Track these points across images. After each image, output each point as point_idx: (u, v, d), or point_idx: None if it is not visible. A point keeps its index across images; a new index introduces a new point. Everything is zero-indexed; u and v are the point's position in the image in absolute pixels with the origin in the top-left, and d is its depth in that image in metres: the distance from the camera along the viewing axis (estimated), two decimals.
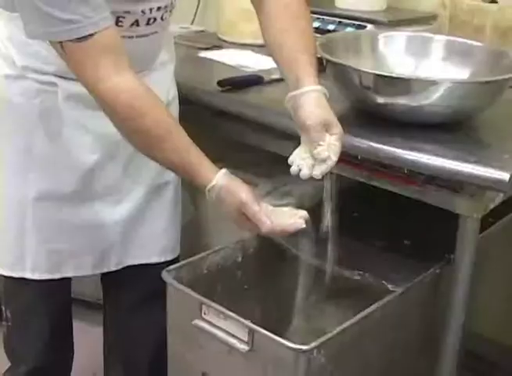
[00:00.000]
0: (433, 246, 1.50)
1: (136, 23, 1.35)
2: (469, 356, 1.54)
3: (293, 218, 1.23)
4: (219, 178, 1.23)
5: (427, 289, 1.43)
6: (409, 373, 1.49)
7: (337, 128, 1.26)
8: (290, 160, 1.29)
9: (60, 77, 1.38)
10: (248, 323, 1.22)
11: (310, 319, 1.56)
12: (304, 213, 1.25)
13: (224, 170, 1.25)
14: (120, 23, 1.32)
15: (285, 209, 1.26)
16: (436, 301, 1.45)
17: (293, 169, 1.28)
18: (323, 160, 1.25)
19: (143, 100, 1.22)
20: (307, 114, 1.25)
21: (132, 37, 1.37)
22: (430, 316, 1.46)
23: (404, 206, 1.55)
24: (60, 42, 1.18)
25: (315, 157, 1.25)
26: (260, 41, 2.04)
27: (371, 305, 1.33)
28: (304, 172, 1.26)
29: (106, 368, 1.82)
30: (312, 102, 1.25)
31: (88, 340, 2.01)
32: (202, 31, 2.32)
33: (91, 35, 1.17)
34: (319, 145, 1.24)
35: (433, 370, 1.46)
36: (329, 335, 1.19)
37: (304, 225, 1.22)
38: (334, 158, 1.25)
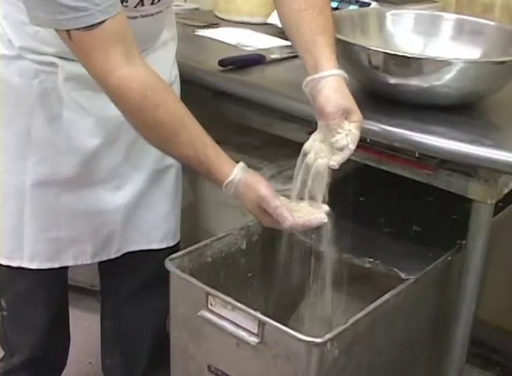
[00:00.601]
0: (443, 232, 1.48)
1: (141, 2, 1.32)
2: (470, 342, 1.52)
3: (315, 212, 1.20)
4: (237, 173, 1.19)
5: (439, 277, 1.41)
6: (419, 361, 1.48)
7: (357, 116, 1.21)
8: (305, 148, 1.24)
9: (60, 57, 1.34)
10: (258, 314, 1.18)
11: (316, 308, 1.54)
12: (326, 207, 1.21)
13: (241, 164, 1.21)
14: (125, 3, 1.27)
15: (306, 203, 1.23)
16: (447, 288, 1.43)
17: (310, 157, 1.23)
18: (341, 149, 1.20)
19: (156, 90, 1.18)
20: (326, 100, 1.20)
21: (136, 17, 1.33)
22: (441, 303, 1.45)
23: (412, 190, 1.54)
24: (67, 31, 1.13)
25: (332, 145, 1.21)
26: (258, 19, 2.05)
27: (380, 293, 1.31)
28: (322, 162, 1.21)
29: (103, 357, 1.80)
30: (332, 87, 1.21)
31: (82, 327, 2.00)
32: (196, 9, 2.27)
33: (100, 23, 1.12)
34: (338, 133, 1.20)
35: (442, 357, 1.45)
36: (344, 327, 1.16)
37: (326, 220, 1.19)
38: (352, 147, 1.21)
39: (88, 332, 2.00)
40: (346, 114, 1.21)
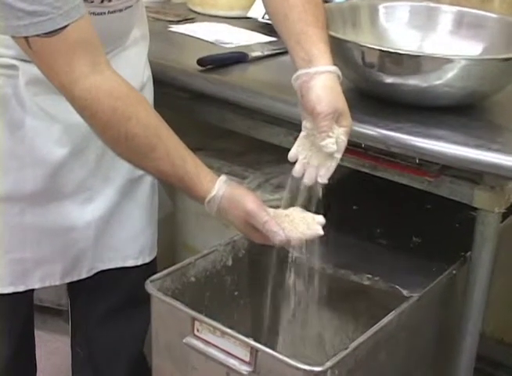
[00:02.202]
0: (446, 243, 1.47)
1: None
2: None
3: (309, 224, 1.17)
4: (219, 187, 1.17)
5: (444, 292, 1.39)
6: None
7: (348, 121, 1.19)
8: (290, 155, 1.22)
9: (21, 60, 1.30)
10: (250, 340, 1.15)
11: (308, 327, 1.52)
12: (320, 218, 1.19)
13: (223, 177, 1.19)
14: None
15: (298, 213, 1.19)
16: (451, 304, 1.42)
17: (297, 169, 1.21)
18: (330, 155, 1.18)
19: (127, 101, 1.15)
20: (318, 99, 1.17)
21: (103, 13, 1.30)
22: (445, 321, 1.44)
23: (410, 197, 1.52)
24: (26, 37, 1.10)
25: (321, 149, 1.18)
26: (237, 13, 2.02)
27: (377, 310, 1.29)
28: (311, 174, 1.19)
29: None
30: (326, 85, 1.18)
31: (49, 351, 1.96)
32: (168, 1, 2.23)
33: (61, 29, 1.09)
34: (329, 136, 1.16)
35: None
36: (345, 353, 1.13)
37: (322, 232, 1.17)
38: (338, 156, 1.20)
39: (55, 356, 1.97)
40: (337, 117, 1.18)
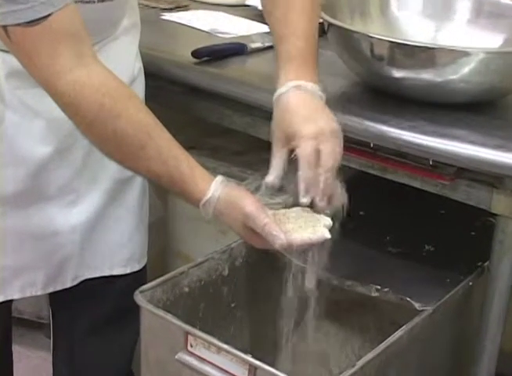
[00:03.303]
0: (462, 252, 1.47)
1: None
2: None
3: (314, 227, 1.16)
4: (215, 189, 1.17)
5: (459, 305, 1.39)
6: None
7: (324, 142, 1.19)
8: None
9: (1, 50, 1.29)
10: (249, 357, 1.15)
11: (311, 342, 1.52)
12: (327, 220, 1.18)
13: (220, 177, 1.19)
14: None
15: (302, 216, 1.18)
16: (467, 319, 1.42)
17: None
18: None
19: (116, 96, 1.15)
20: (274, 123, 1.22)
21: (93, 2, 1.30)
22: (461, 337, 1.44)
23: (424, 203, 1.53)
24: (4, 27, 1.10)
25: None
26: (234, 0, 2.01)
27: (385, 324, 1.34)
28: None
29: None
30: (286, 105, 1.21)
31: (27, 368, 1.95)
32: None
33: (44, 17, 1.09)
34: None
35: None
36: (351, 371, 1.13)
37: (329, 236, 1.16)
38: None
39: (35, 374, 1.97)
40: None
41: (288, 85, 1.22)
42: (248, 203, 1.16)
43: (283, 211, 1.20)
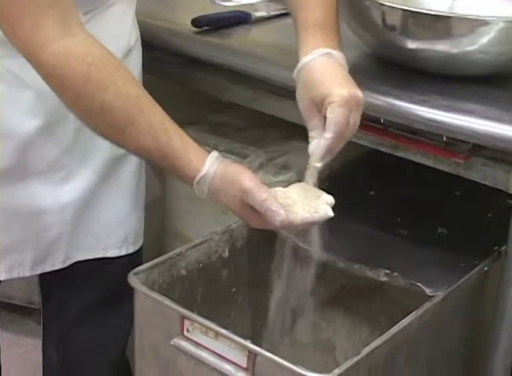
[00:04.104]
0: (477, 235, 1.48)
1: None
2: None
3: (316, 203, 1.16)
4: (210, 165, 1.17)
5: (473, 292, 1.40)
6: None
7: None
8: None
9: None
10: (248, 343, 1.15)
11: (316, 329, 1.53)
12: (329, 198, 1.18)
13: (215, 153, 1.19)
14: None
15: (303, 192, 1.19)
16: (482, 306, 1.43)
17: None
18: None
19: (103, 67, 1.15)
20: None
21: None
22: (474, 325, 1.45)
23: (437, 183, 1.54)
24: None
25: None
26: None
27: (395, 311, 1.33)
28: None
29: None
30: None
31: (16, 356, 1.97)
32: None
33: None
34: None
35: None
36: (357, 359, 1.13)
37: (332, 214, 1.16)
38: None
39: (24, 362, 1.98)
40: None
41: (317, 52, 1.22)
42: (246, 178, 1.15)
43: (282, 188, 1.20)
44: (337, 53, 1.23)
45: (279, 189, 1.19)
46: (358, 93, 1.20)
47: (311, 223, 1.17)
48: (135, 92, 1.18)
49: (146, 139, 1.17)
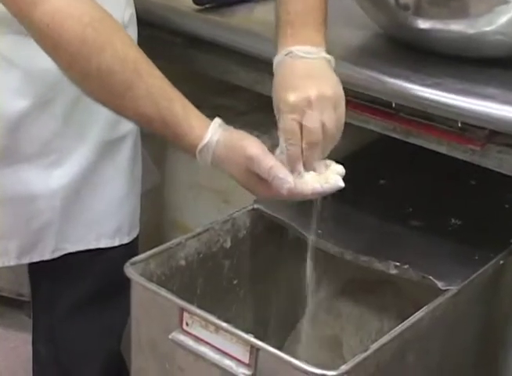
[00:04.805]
0: (492, 227, 1.48)
1: None
2: None
3: (326, 173, 1.16)
4: (214, 132, 1.16)
5: (487, 285, 1.40)
6: None
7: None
8: None
9: None
10: (250, 337, 1.16)
11: (322, 324, 1.54)
12: (339, 168, 1.18)
13: (218, 120, 1.18)
14: None
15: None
16: (496, 301, 1.44)
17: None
18: None
19: (100, 28, 1.15)
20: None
21: None
22: (489, 320, 1.45)
23: (451, 171, 1.54)
24: None
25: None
26: None
27: (406, 306, 1.33)
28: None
29: None
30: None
31: (5, 350, 1.96)
32: None
33: None
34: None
35: None
36: (364, 355, 1.14)
37: (342, 185, 1.16)
38: None
39: (13, 357, 1.98)
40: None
41: (281, 54, 1.22)
42: (252, 145, 1.15)
43: None
44: (303, 49, 1.22)
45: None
46: (310, 93, 1.17)
47: (321, 194, 1.17)
48: (134, 55, 1.17)
49: (145, 105, 1.16)
